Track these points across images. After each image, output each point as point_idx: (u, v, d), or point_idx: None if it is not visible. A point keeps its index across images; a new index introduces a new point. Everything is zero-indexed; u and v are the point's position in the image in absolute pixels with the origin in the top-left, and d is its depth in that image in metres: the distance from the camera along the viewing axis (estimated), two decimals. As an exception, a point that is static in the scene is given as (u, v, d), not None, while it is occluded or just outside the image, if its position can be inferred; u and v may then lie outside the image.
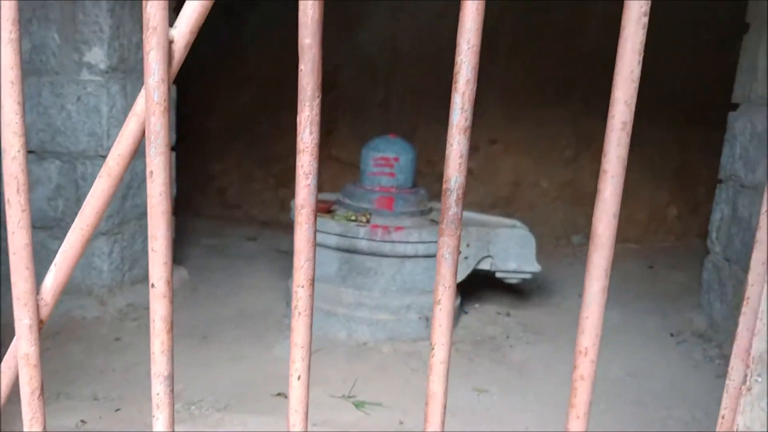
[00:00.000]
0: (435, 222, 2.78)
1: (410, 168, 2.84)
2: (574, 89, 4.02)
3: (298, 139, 0.84)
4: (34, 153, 2.60)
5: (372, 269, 2.61)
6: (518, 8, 4.02)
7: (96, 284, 2.69)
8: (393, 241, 2.56)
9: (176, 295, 3.04)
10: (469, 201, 4.44)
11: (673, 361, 2.67)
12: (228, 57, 4.49)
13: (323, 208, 2.71)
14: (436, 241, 2.53)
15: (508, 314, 3.07)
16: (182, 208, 3.61)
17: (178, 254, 3.48)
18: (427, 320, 2.66)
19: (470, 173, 4.32)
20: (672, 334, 2.96)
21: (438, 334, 0.85)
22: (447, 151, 0.82)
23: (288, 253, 2.98)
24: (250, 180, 4.71)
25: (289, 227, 3.25)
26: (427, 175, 4.36)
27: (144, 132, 0.88)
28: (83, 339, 2.47)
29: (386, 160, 2.79)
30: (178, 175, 3.40)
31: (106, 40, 2.47)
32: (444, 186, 0.85)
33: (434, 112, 4.29)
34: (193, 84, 4.08)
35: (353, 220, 2.65)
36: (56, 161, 2.59)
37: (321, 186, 4.66)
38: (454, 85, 0.79)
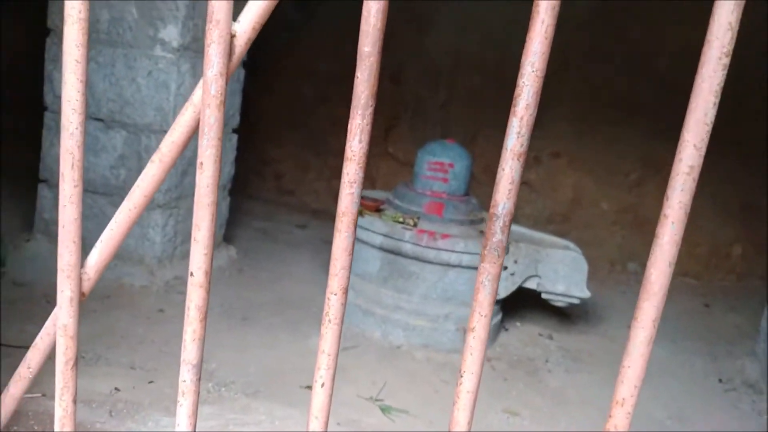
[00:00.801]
0: (484, 233, 2.73)
1: (464, 175, 2.79)
2: (645, 112, 3.87)
3: (347, 146, 0.83)
4: (102, 121, 2.69)
5: (414, 274, 2.59)
6: (593, 27, 3.90)
7: (148, 254, 2.76)
8: (438, 248, 2.52)
9: (222, 273, 3.11)
10: (525, 213, 4.37)
11: (719, 409, 2.53)
12: (295, 46, 4.54)
13: (372, 207, 2.70)
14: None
15: (551, 337, 2.99)
16: (238, 189, 3.67)
17: (229, 234, 3.55)
18: (465, 332, 2.61)
19: (529, 185, 4.24)
20: (720, 380, 2.81)
21: (469, 362, 0.82)
22: (498, 175, 0.79)
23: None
24: (306, 169, 4.75)
25: None
26: (484, 183, 4.29)
27: (199, 122, 0.88)
28: (129, 306, 2.55)
29: (441, 165, 2.75)
30: (237, 157, 3.46)
31: (181, 19, 2.53)
32: (491, 211, 0.82)
33: (495, 120, 4.19)
34: (260, 68, 4.15)
35: (400, 222, 2.63)
36: (122, 131, 2.68)
37: (374, 183, 4.68)
38: (513, 108, 0.75)
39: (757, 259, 4.07)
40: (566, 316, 3.21)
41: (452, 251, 2.53)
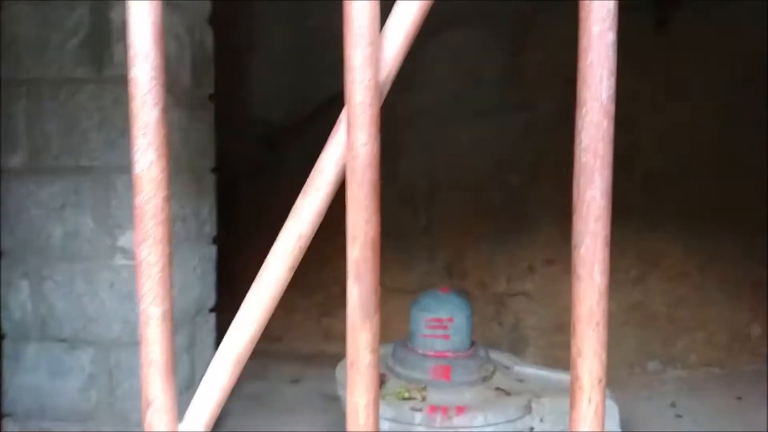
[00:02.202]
0: (500, 391, 2.49)
1: (467, 327, 2.58)
2: (633, 208, 3.76)
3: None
4: (65, 342, 2.45)
5: (433, 457, 2.31)
6: (558, 134, 3.86)
7: None
8: (455, 427, 2.27)
9: (218, 475, 2.79)
10: (530, 324, 4.15)
11: None
12: (268, 186, 4.42)
13: (374, 386, 2.46)
14: (504, 422, 2.23)
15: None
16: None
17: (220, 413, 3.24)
18: None
19: (527, 295, 4.05)
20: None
21: None
22: None
23: (332, 399, 2.72)
24: (292, 310, 4.51)
25: (333, 362, 3.00)
26: (479, 298, 4.09)
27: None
28: None
29: (439, 321, 2.54)
30: (221, 312, 3.21)
31: (140, 223, 2.35)
32: None
33: (481, 235, 4.08)
34: (240, 220, 4.00)
35: (407, 398, 2.39)
36: (89, 349, 2.44)
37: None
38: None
39: (779, 337, 3.87)
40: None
41: (472, 427, 2.27)
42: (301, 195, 0.64)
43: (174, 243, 2.42)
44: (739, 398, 3.56)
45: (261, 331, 0.69)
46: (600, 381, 0.59)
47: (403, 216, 4.20)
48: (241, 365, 0.69)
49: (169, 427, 0.64)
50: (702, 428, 3.25)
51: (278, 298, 0.67)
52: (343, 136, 0.59)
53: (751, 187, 3.74)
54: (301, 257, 0.65)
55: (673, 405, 3.48)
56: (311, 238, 0.65)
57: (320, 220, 0.64)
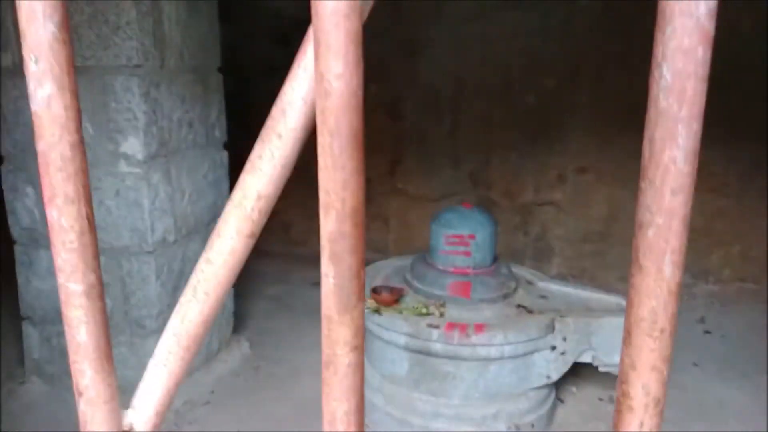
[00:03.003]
0: (522, 308, 2.39)
1: (489, 244, 2.45)
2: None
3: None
4: (77, 249, 2.39)
5: (449, 374, 2.26)
6: (602, 33, 3.50)
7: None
8: (473, 344, 2.19)
9: (236, 379, 2.82)
10: (557, 234, 4.00)
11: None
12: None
13: (389, 301, 2.38)
14: (524, 341, 2.14)
15: (612, 399, 2.65)
16: None
17: (241, 312, 3.26)
18: (518, 429, 2.29)
19: (557, 206, 3.87)
20: (815, 430, 2.46)
21: None
22: None
23: None
24: (314, 216, 4.41)
25: None
26: (506, 209, 3.94)
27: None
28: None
29: (460, 238, 2.41)
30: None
31: (141, 128, 2.20)
32: None
33: (508, 141, 3.84)
34: (251, 116, 3.83)
35: (425, 314, 2.31)
36: (100, 257, 2.38)
37: (387, 221, 4.33)
38: None
39: (821, 252, 3.67)
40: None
41: (490, 345, 2.20)
42: (259, 140, 0.47)
43: (182, 149, 2.27)
44: (772, 315, 3.44)
45: (216, 309, 0.55)
46: (658, 403, 0.44)
47: (425, 121, 3.97)
48: (196, 346, 0.56)
49: (107, 421, 0.52)
50: (730, 345, 3.16)
51: (236, 271, 0.52)
52: (311, 62, 0.41)
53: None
54: (263, 222, 0.49)
55: (702, 321, 3.38)
56: (276, 199, 0.49)
57: (287, 174, 0.47)
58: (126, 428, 0.55)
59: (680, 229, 0.39)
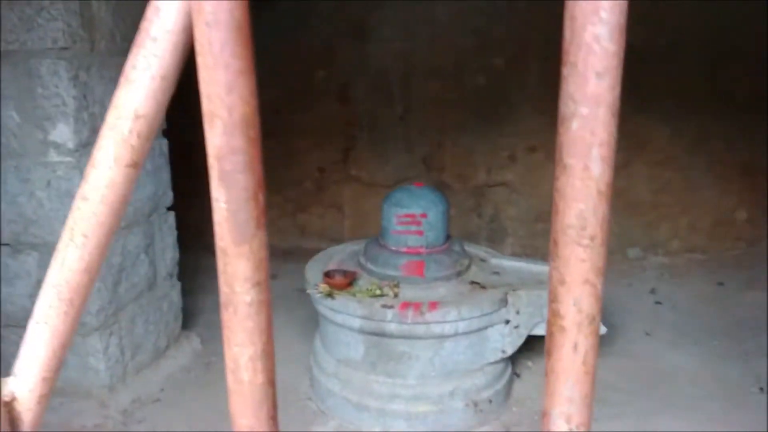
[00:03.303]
0: (475, 285, 2.37)
1: (441, 223, 2.42)
2: (621, 86, 3.50)
3: None
4: (8, 246, 2.26)
5: (405, 354, 2.23)
6: (547, 11, 3.50)
7: (94, 385, 2.37)
8: (428, 322, 2.16)
9: (188, 374, 2.73)
10: (510, 215, 4.01)
11: (772, 436, 2.24)
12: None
13: (342, 284, 2.32)
14: (478, 316, 2.12)
15: (566, 373, 2.66)
16: (193, 242, 3.23)
17: (190, 308, 3.15)
18: (476, 405, 2.28)
19: (509, 186, 3.89)
20: (762, 389, 2.52)
21: None
22: None
23: (308, 294, 2.62)
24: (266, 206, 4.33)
25: (310, 258, 2.87)
26: (459, 192, 3.93)
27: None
28: (82, 461, 2.16)
29: (412, 217, 2.37)
30: (188, 207, 3.02)
31: (71, 114, 2.08)
32: None
33: (460, 123, 3.83)
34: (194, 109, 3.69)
35: (379, 295, 2.26)
36: (34, 253, 2.25)
37: (341, 209, 4.27)
38: None
39: (763, 221, 3.78)
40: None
41: (444, 322, 2.17)
42: (133, 45, 0.41)
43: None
44: (721, 284, 3.53)
45: (100, 255, 0.48)
46: (593, 321, 0.40)
47: (376, 105, 3.92)
48: (80, 298, 0.49)
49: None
50: (681, 315, 3.22)
51: (118, 209, 0.46)
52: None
53: (742, 65, 3.49)
54: (146, 149, 0.43)
55: (653, 292, 3.44)
56: (158, 120, 0.43)
57: (169, 88, 0.41)
58: (7, 398, 0.48)
59: (608, 118, 0.35)
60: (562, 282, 0.39)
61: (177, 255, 2.79)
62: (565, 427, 0.42)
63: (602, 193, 0.37)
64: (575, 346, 0.40)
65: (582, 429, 0.43)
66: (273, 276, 3.91)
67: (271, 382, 0.44)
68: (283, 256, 4.22)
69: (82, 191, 0.46)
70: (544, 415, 0.44)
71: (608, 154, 0.36)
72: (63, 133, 2.10)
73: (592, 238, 0.38)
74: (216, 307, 3.42)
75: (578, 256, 0.38)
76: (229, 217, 0.40)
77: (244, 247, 0.40)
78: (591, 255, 0.38)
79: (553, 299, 0.40)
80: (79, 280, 0.48)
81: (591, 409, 0.44)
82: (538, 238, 3.92)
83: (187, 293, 3.05)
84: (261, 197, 0.41)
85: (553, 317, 0.40)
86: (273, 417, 0.45)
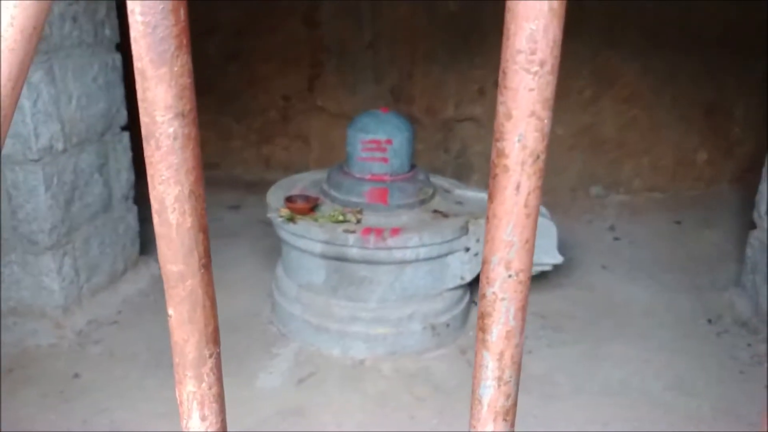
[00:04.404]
0: (438, 213, 2.37)
1: (406, 150, 2.38)
2: (593, 20, 3.45)
3: None
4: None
5: (366, 278, 2.23)
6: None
7: (49, 305, 2.32)
8: (389, 248, 2.16)
9: (147, 298, 2.70)
10: (476, 151, 3.99)
11: (715, 361, 2.33)
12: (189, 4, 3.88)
13: (304, 209, 2.29)
14: (439, 243, 2.12)
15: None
16: None
17: (149, 236, 3.09)
18: (433, 329, 2.31)
19: (476, 121, 3.85)
20: (710, 320, 2.62)
21: None
22: None
23: (271, 225, 2.59)
24: (229, 137, 4.22)
25: None
26: (428, 126, 3.88)
27: None
28: (36, 379, 2.13)
29: (377, 143, 2.33)
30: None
31: (15, 18, 1.94)
32: None
33: (432, 52, 3.74)
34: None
35: (341, 221, 2.24)
36: (-21, 168, 2.15)
37: (307, 141, 4.20)
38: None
39: (724, 163, 3.86)
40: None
41: (406, 248, 2.17)
42: None
43: (66, 46, 2.03)
44: (678, 222, 3.61)
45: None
46: (537, 159, 0.37)
47: (345, 30, 3.79)
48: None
49: None
50: (638, 250, 3.29)
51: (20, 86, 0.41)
52: None
53: (714, 2, 3.46)
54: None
55: (612, 228, 3.50)
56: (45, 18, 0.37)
57: None
58: None
59: None
60: (509, 116, 0.36)
61: (132, 177, 2.71)
62: (504, 274, 0.40)
63: (554, 11, 0.34)
64: (518, 187, 0.38)
65: (522, 276, 0.41)
66: (236, 207, 3.86)
67: (203, 228, 0.41)
68: (246, 187, 4.16)
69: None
70: (483, 262, 0.42)
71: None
72: None
73: (541, 64, 0.35)
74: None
75: (527, 85, 0.35)
76: (146, 32, 0.35)
77: (163, 70, 0.36)
78: (539, 83, 0.35)
79: (498, 137, 0.38)
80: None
81: (531, 256, 0.42)
82: (504, 174, 3.92)
83: (146, 220, 2.98)
84: (183, 12, 0.36)
85: (498, 157, 0.38)
86: (205, 265, 0.42)
